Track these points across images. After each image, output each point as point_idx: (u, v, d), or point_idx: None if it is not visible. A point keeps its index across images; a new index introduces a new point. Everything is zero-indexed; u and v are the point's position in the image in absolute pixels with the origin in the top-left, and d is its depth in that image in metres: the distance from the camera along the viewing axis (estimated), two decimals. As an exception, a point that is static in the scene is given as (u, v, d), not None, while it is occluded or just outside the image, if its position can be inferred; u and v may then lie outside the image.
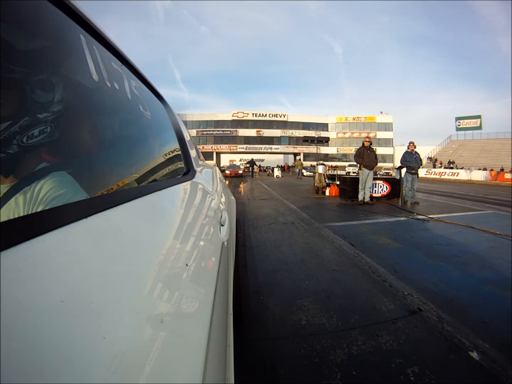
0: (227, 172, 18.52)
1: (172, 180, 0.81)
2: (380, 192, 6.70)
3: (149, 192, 0.54)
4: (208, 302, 0.43)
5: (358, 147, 6.19)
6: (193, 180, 0.94)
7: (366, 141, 5.99)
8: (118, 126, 0.63)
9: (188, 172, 1.01)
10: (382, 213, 4.85)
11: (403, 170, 6.20)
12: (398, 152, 32.14)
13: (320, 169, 8.26)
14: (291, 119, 38.26)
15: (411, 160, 6.00)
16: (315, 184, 8.15)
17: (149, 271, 0.34)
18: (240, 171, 19.24)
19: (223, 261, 0.67)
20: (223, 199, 1.28)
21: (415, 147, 6.17)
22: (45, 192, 0.33)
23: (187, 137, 1.25)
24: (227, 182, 12.04)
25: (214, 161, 33.27)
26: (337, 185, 7.41)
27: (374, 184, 6.50)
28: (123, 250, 0.34)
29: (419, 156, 6.16)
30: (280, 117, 37.90)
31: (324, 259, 2.44)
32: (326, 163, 20.97)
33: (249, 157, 30.95)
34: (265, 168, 30.83)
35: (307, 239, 3.09)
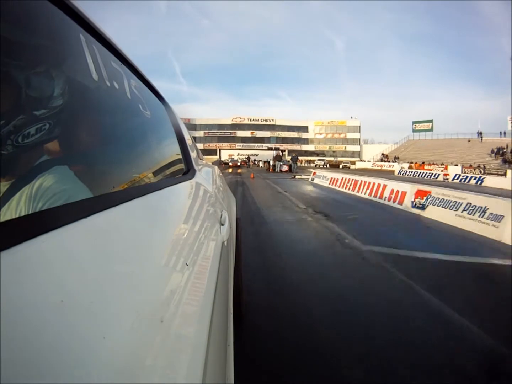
0: (230, 163, 30.09)
1: (172, 180, 0.80)
2: (284, 169, 20.28)
3: (149, 192, 0.53)
4: (208, 302, 0.43)
5: (276, 154, 21.97)
6: (193, 179, 0.93)
7: (279, 152, 16.23)
8: (118, 125, 0.62)
9: (188, 172, 1.00)
10: (283, 175, 16.58)
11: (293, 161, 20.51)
12: (365, 149, 43.75)
13: (271, 161, 22.89)
14: (278, 123, 48.48)
15: (293, 158, 20.31)
16: (266, 167, 24.79)
17: (149, 271, 0.34)
18: (238, 163, 30.91)
19: (223, 261, 0.66)
20: (223, 198, 1.27)
21: (287, 155, 21.12)
22: (45, 189, 0.32)
23: (187, 137, 1.23)
24: (230, 170, 23.00)
25: (217, 156, 41.78)
26: (273, 166, 21.94)
27: (281, 166, 20.63)
28: (123, 249, 0.34)
29: (296, 156, 21.32)
30: (270, 121, 48.53)
31: (262, 185, 11.13)
32: (301, 157, 33.55)
33: (245, 153, 41.33)
34: (255, 161, 39.91)
35: (261, 182, 12.26)
